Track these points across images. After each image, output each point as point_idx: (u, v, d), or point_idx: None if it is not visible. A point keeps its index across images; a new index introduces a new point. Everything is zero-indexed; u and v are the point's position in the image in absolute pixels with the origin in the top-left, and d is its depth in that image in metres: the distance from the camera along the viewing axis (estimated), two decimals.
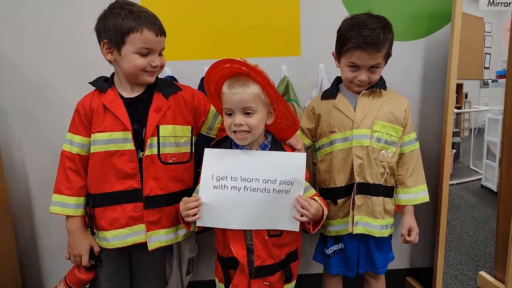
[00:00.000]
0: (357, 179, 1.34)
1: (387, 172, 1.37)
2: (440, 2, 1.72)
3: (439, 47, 1.75)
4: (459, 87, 1.85)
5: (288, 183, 1.19)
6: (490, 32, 2.03)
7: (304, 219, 1.19)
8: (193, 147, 1.38)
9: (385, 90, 1.40)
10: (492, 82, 2.08)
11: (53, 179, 1.32)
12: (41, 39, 1.69)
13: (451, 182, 1.68)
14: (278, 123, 1.27)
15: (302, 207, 1.18)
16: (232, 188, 1.18)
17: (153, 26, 1.22)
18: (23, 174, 1.81)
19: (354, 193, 1.35)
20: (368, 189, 1.36)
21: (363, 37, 1.24)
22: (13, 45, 1.70)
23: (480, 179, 2.27)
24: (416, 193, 1.42)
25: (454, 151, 1.97)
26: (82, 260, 1.31)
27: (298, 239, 1.36)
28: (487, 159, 2.19)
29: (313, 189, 1.30)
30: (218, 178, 1.19)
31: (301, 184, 1.20)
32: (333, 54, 1.41)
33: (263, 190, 1.19)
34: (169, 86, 1.36)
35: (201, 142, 1.53)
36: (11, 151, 1.79)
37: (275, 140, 1.29)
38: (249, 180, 1.18)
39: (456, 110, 1.62)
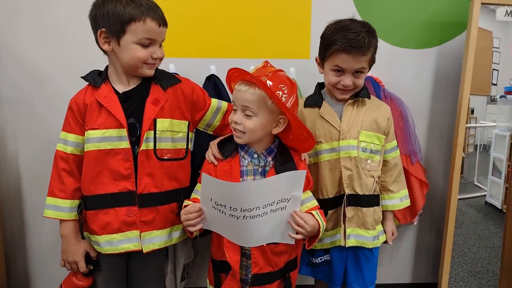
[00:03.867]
0: (347, 191, 1.31)
1: (376, 181, 1.35)
2: (454, 11, 1.70)
3: (451, 57, 1.73)
4: None
5: (285, 200, 1.13)
6: (498, 48, 2.01)
7: (299, 236, 1.15)
8: (189, 144, 1.31)
9: (369, 99, 1.38)
10: (500, 98, 2.06)
11: (46, 173, 1.25)
12: (41, 29, 1.64)
13: None
14: (296, 134, 1.22)
15: (298, 225, 1.13)
16: (231, 216, 1.11)
17: (156, 16, 1.14)
18: (15, 166, 1.74)
19: (344, 205, 1.31)
20: (358, 201, 1.33)
21: (348, 40, 1.23)
22: (12, 34, 1.64)
23: (484, 195, 2.23)
24: (400, 197, 1.42)
25: None
26: (79, 267, 1.23)
27: (298, 247, 1.30)
28: (492, 175, 2.15)
29: (314, 200, 1.25)
30: (217, 203, 1.11)
31: (298, 200, 1.15)
32: (316, 60, 1.38)
33: (262, 214, 1.12)
34: (168, 77, 1.28)
35: (203, 142, 1.49)
36: (5, 142, 1.72)
37: (282, 144, 1.25)
38: (249, 210, 1.10)
39: None
